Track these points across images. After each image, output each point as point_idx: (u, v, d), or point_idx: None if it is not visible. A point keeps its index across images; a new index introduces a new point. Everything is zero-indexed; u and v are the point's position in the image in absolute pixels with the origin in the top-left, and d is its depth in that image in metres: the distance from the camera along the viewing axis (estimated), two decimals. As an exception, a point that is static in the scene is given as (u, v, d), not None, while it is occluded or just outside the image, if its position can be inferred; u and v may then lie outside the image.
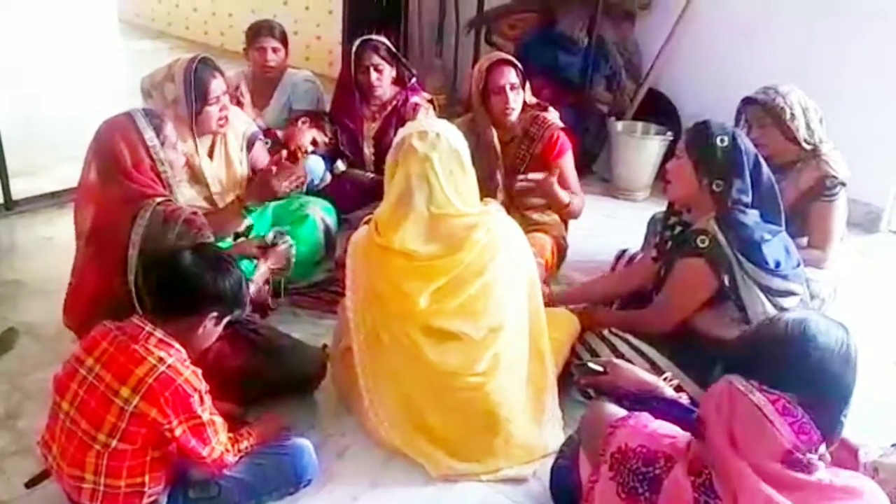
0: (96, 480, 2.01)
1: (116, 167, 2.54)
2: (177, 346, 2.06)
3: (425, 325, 2.47)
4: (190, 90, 3.02)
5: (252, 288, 2.69)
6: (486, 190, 3.11)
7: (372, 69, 3.97)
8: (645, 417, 1.72)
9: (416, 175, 2.43)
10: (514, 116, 3.51)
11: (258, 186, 2.96)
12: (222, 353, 2.64)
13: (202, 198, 3.18)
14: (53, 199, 4.36)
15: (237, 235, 3.17)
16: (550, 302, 3.06)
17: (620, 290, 3.17)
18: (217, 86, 3.10)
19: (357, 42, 4.03)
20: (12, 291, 3.52)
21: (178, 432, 2.00)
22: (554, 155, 3.53)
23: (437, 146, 2.43)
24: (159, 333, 2.04)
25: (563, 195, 3.44)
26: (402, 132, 2.54)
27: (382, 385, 2.57)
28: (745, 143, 2.70)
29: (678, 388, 2.19)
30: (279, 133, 4.04)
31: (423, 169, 2.42)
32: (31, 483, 2.23)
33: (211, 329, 2.17)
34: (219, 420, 2.12)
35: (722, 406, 1.49)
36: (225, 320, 2.21)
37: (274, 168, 2.96)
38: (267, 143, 3.77)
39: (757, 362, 1.54)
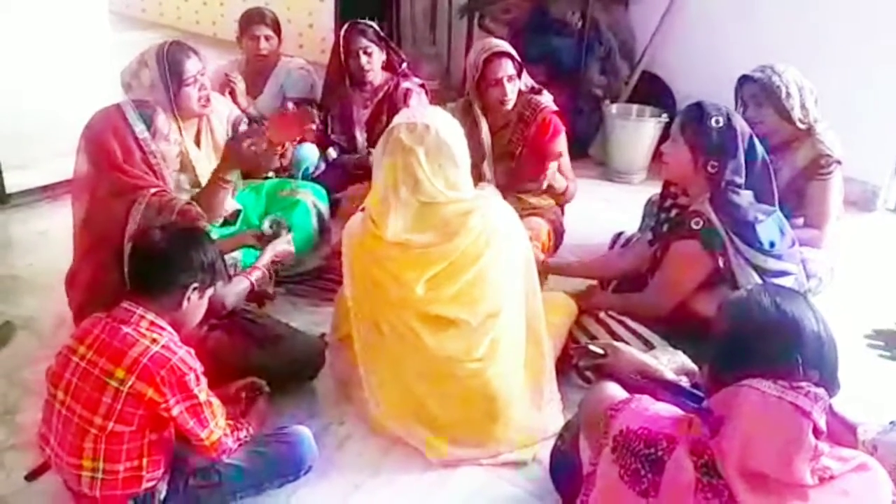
0: (94, 466, 2.02)
1: (107, 160, 2.53)
2: (168, 328, 2.08)
3: (423, 312, 2.46)
4: (164, 72, 3.01)
5: (257, 274, 2.70)
6: (476, 178, 3.13)
7: (361, 52, 3.95)
8: (646, 400, 1.71)
9: (401, 168, 2.41)
10: (510, 106, 3.51)
11: (226, 153, 2.91)
12: (221, 343, 2.64)
13: (188, 185, 3.17)
14: (47, 192, 4.34)
15: (225, 222, 3.16)
16: (546, 270, 3.08)
17: (616, 270, 3.17)
18: (192, 65, 3.08)
19: (345, 27, 4.02)
20: (8, 286, 3.51)
21: (175, 412, 2.01)
22: (547, 138, 3.53)
23: (425, 139, 2.40)
24: (150, 316, 2.06)
25: (562, 181, 3.50)
26: (394, 121, 2.52)
27: (382, 373, 2.57)
28: (740, 123, 2.70)
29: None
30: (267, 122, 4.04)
31: (409, 162, 2.39)
32: (31, 476, 2.22)
33: (196, 302, 2.16)
34: (216, 402, 2.12)
35: (745, 414, 1.48)
36: (209, 291, 2.20)
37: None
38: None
39: (755, 355, 1.56)
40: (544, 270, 3.07)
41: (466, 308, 2.45)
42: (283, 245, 2.87)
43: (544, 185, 3.43)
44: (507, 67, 3.45)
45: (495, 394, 2.48)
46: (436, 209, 2.43)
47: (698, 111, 2.68)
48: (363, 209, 2.58)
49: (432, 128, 2.42)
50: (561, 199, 3.64)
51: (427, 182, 2.40)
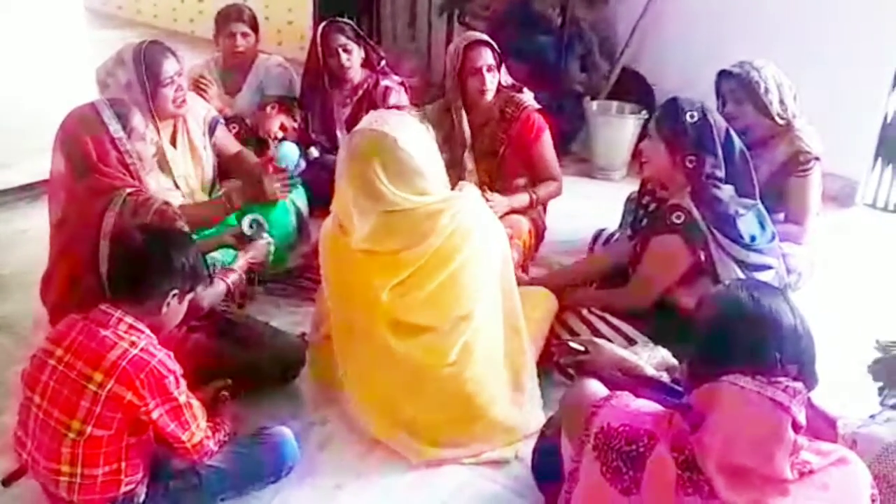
0: (72, 471, 2.00)
1: (82, 160, 2.50)
2: (147, 331, 2.06)
3: (391, 319, 2.44)
4: (142, 72, 2.98)
5: (233, 277, 2.68)
6: (457, 176, 3.09)
7: (340, 50, 3.95)
8: (626, 396, 1.72)
9: (358, 177, 2.37)
10: (489, 97, 3.49)
11: (250, 186, 2.94)
12: (200, 344, 2.62)
13: (167, 187, 3.14)
14: (26, 191, 4.28)
15: None
16: (526, 284, 3.06)
17: (597, 271, 3.17)
18: (170, 66, 3.06)
19: (322, 25, 4.01)
20: (-12, 285, 3.46)
21: (155, 415, 1.99)
22: (532, 137, 3.52)
23: (383, 150, 2.35)
24: (129, 319, 2.04)
25: (519, 200, 3.46)
26: (357, 126, 2.47)
27: (359, 375, 2.55)
28: (716, 117, 2.71)
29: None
30: (248, 120, 4.02)
31: (366, 173, 2.35)
32: (8, 481, 2.19)
33: (175, 307, 2.15)
34: (196, 403, 2.11)
35: (725, 410, 1.49)
36: (188, 296, 2.19)
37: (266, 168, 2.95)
38: (234, 128, 3.76)
39: (733, 350, 1.58)
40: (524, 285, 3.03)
41: (437, 313, 2.43)
42: (261, 249, 2.87)
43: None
44: (487, 56, 3.43)
45: (472, 395, 2.47)
46: (402, 214, 2.38)
47: (673, 107, 2.69)
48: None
49: (391, 138, 2.36)
50: (537, 205, 3.58)
51: (388, 191, 2.35)
